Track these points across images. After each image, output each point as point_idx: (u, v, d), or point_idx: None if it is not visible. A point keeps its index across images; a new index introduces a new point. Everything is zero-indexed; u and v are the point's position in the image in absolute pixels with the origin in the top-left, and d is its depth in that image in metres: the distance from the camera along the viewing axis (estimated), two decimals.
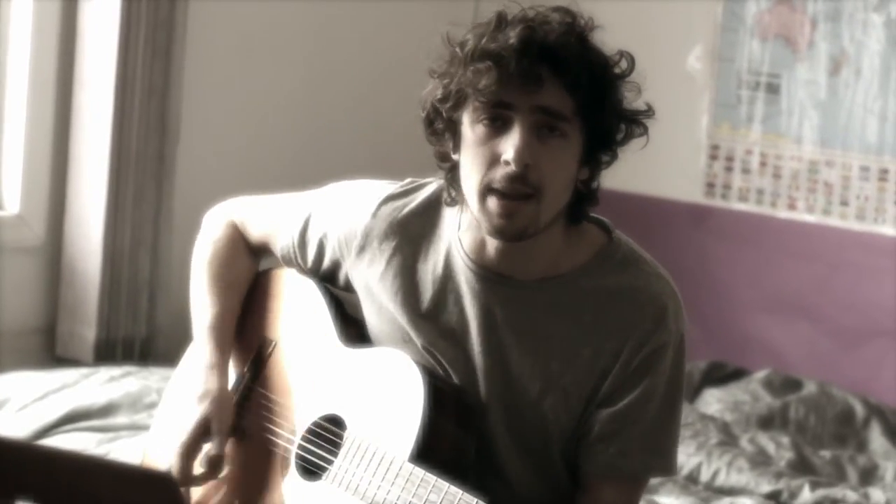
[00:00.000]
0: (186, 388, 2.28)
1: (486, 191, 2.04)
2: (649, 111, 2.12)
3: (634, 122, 2.11)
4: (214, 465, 2.22)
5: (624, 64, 2.10)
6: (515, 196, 2.03)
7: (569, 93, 2.02)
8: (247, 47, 4.51)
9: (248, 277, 2.39)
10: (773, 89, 4.52)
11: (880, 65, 4.35)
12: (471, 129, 2.06)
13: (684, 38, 4.64)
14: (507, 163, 2.01)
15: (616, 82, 2.08)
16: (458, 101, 2.06)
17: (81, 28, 4.08)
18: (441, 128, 2.10)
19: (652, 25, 4.67)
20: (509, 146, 2.01)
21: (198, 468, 2.23)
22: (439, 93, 2.08)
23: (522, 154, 2.01)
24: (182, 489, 2.23)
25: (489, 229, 2.07)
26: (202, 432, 2.22)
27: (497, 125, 2.03)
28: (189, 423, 2.23)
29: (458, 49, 2.06)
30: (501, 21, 2.05)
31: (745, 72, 4.55)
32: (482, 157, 2.04)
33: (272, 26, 4.56)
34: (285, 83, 4.62)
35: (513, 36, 2.01)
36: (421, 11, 4.62)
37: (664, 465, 2.14)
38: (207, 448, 2.23)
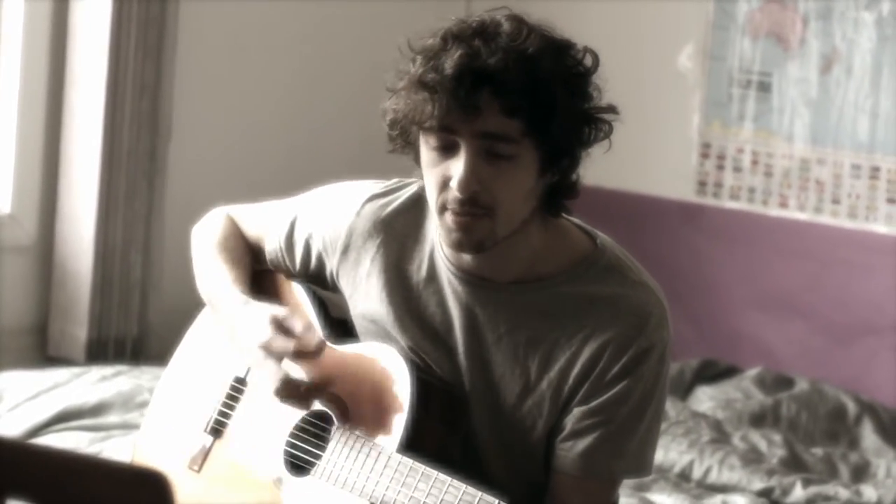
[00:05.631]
0: (221, 336, 2.24)
1: (442, 209, 2.06)
2: (613, 109, 2.07)
3: (597, 124, 2.07)
4: (310, 332, 2.14)
5: (588, 61, 2.06)
6: (469, 214, 2.04)
7: (510, 117, 2.00)
8: (238, 45, 4.51)
9: (251, 266, 2.38)
10: (764, 87, 4.52)
11: (871, 63, 4.36)
12: (425, 148, 2.06)
13: (675, 36, 4.64)
14: (453, 189, 2.02)
15: (569, 93, 2.03)
16: (405, 128, 2.07)
17: (73, 27, 4.08)
18: (399, 146, 2.11)
19: (643, 24, 4.68)
20: (455, 173, 2.02)
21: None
22: (388, 119, 2.09)
23: (468, 183, 2.01)
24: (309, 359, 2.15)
25: (448, 243, 2.09)
26: (278, 326, 2.15)
27: (446, 149, 2.03)
28: (260, 323, 2.15)
29: (410, 65, 2.05)
30: (446, 41, 2.02)
31: (737, 70, 4.55)
32: (435, 178, 2.05)
33: (263, 25, 4.56)
34: (276, 81, 4.62)
35: (449, 65, 1.99)
36: (413, 11, 4.61)
37: (627, 467, 2.12)
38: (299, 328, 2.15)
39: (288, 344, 2.13)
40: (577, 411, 2.10)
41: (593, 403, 2.09)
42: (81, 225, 4.10)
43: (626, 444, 2.11)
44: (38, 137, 4.13)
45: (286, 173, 4.19)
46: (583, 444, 2.10)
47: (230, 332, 2.25)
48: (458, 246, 2.07)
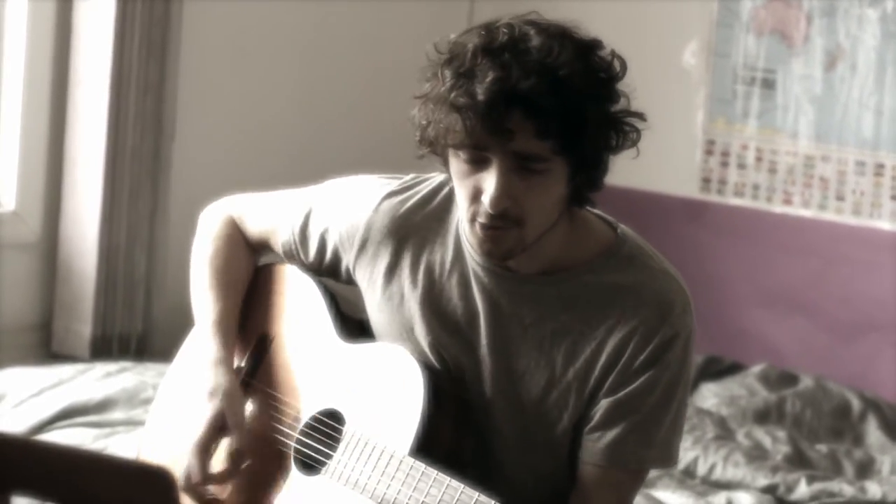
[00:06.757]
0: (191, 384, 2.26)
1: (473, 219, 2.06)
2: (641, 116, 2.08)
3: (625, 129, 2.07)
4: (237, 459, 2.20)
5: (616, 66, 2.06)
6: (499, 227, 2.04)
7: (543, 139, 1.99)
8: (242, 45, 4.51)
9: (249, 275, 2.38)
10: (768, 84, 4.52)
11: (876, 60, 4.35)
12: (454, 160, 2.06)
13: (680, 33, 4.64)
14: (484, 203, 2.02)
15: (598, 104, 2.02)
16: (435, 142, 2.06)
17: (77, 26, 4.09)
18: (428, 153, 2.10)
19: (647, 21, 4.68)
20: (487, 188, 2.02)
21: (215, 465, 2.22)
22: (417, 135, 2.08)
23: (500, 200, 2.01)
24: (198, 487, 2.21)
25: (478, 252, 2.10)
26: (218, 428, 2.20)
27: (477, 162, 2.03)
28: (203, 420, 2.20)
29: (438, 74, 2.04)
30: (476, 56, 2.00)
31: (741, 67, 4.55)
32: (466, 189, 2.05)
33: (267, 24, 4.56)
34: (280, 81, 4.62)
35: (481, 90, 1.97)
36: (416, 11, 4.62)
37: (655, 456, 2.13)
38: (225, 444, 2.20)
39: (197, 475, 2.18)
40: (604, 402, 2.10)
41: (620, 394, 2.09)
42: (86, 222, 4.10)
43: (654, 434, 2.11)
44: (42, 136, 4.13)
45: (290, 173, 4.18)
46: (611, 434, 2.10)
47: (197, 370, 2.27)
48: (488, 255, 2.08)
